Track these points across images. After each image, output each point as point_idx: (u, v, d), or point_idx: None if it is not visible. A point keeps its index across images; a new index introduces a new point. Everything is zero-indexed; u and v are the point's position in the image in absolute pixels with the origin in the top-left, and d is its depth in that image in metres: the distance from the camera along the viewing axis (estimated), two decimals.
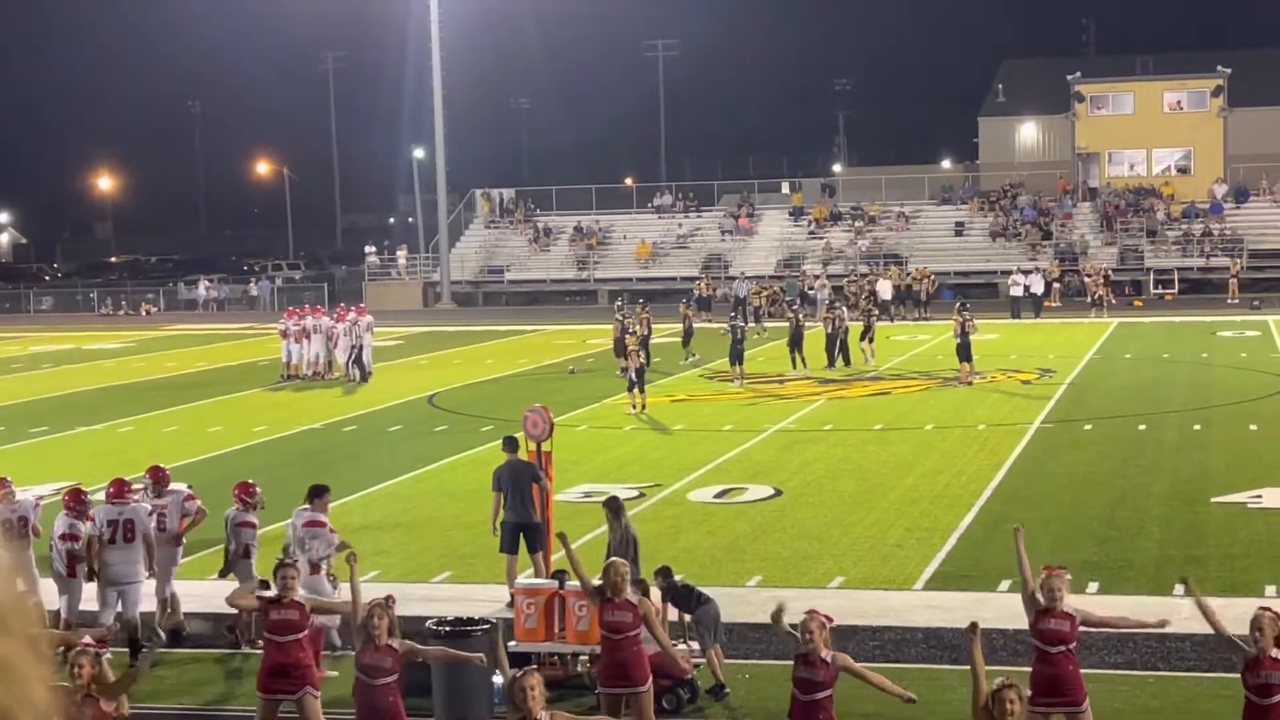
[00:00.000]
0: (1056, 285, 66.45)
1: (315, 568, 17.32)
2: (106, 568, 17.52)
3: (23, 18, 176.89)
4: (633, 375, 35.60)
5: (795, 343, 43.55)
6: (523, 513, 18.86)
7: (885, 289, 62.39)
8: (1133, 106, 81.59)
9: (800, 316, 44.64)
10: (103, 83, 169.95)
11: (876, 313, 48.98)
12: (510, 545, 18.79)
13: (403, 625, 13.43)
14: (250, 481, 19.01)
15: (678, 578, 16.58)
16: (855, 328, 45.41)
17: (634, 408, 35.34)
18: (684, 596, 16.09)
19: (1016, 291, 61.82)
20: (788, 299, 60.90)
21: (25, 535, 17.83)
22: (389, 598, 13.48)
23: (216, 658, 17.66)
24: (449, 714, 14.67)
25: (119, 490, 17.96)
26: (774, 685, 15.58)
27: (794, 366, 43.24)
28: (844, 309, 46.64)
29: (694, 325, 47.84)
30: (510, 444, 19.55)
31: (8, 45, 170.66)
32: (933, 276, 65.17)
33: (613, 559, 14.52)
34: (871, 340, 45.08)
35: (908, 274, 65.00)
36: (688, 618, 16.14)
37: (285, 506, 24.97)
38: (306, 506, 17.82)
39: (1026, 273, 64.09)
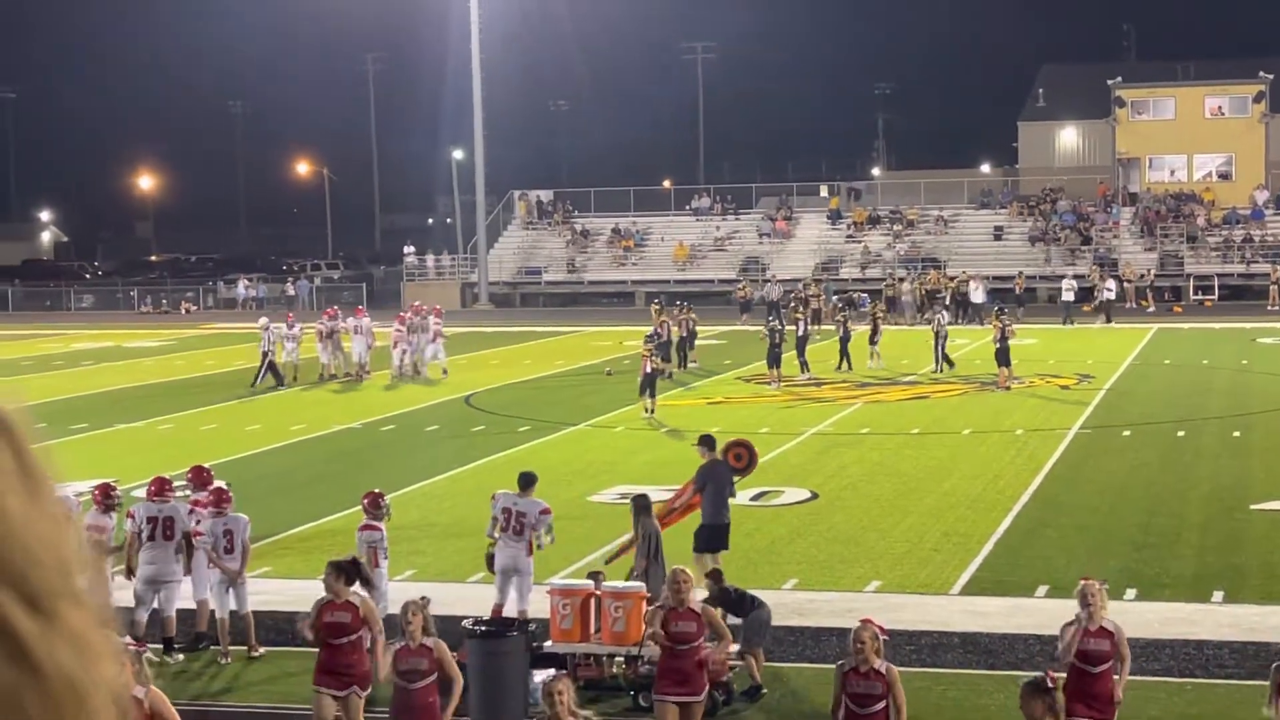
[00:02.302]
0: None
1: (530, 549, 17.74)
2: (144, 565, 17.57)
3: (65, 19, 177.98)
4: (641, 378, 35.43)
5: (843, 344, 44.41)
6: (721, 514, 18.86)
7: (978, 293, 61.94)
8: (1174, 112, 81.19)
9: (849, 320, 45.39)
10: (144, 83, 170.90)
11: (883, 316, 48.81)
12: (707, 545, 18.77)
13: (438, 625, 13.47)
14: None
15: (729, 584, 16.55)
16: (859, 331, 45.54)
17: (646, 411, 35.11)
18: (736, 602, 16.10)
19: (1069, 296, 61.19)
20: (836, 303, 60.94)
21: None
22: (423, 598, 13.54)
23: (234, 657, 17.69)
24: (485, 714, 14.69)
25: (159, 488, 18.00)
26: (810, 688, 15.58)
27: (841, 367, 43.95)
28: (944, 313, 46.49)
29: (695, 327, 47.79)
30: (708, 442, 19.48)
31: (49, 47, 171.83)
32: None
33: (676, 567, 14.46)
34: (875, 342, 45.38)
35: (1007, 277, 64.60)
36: (734, 621, 16.15)
37: (324, 504, 25.11)
38: (518, 494, 17.97)
39: (1081, 278, 63.78)
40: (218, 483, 19.17)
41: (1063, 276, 64.91)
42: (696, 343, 46.81)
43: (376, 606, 16.80)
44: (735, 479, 19.60)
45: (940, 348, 43.57)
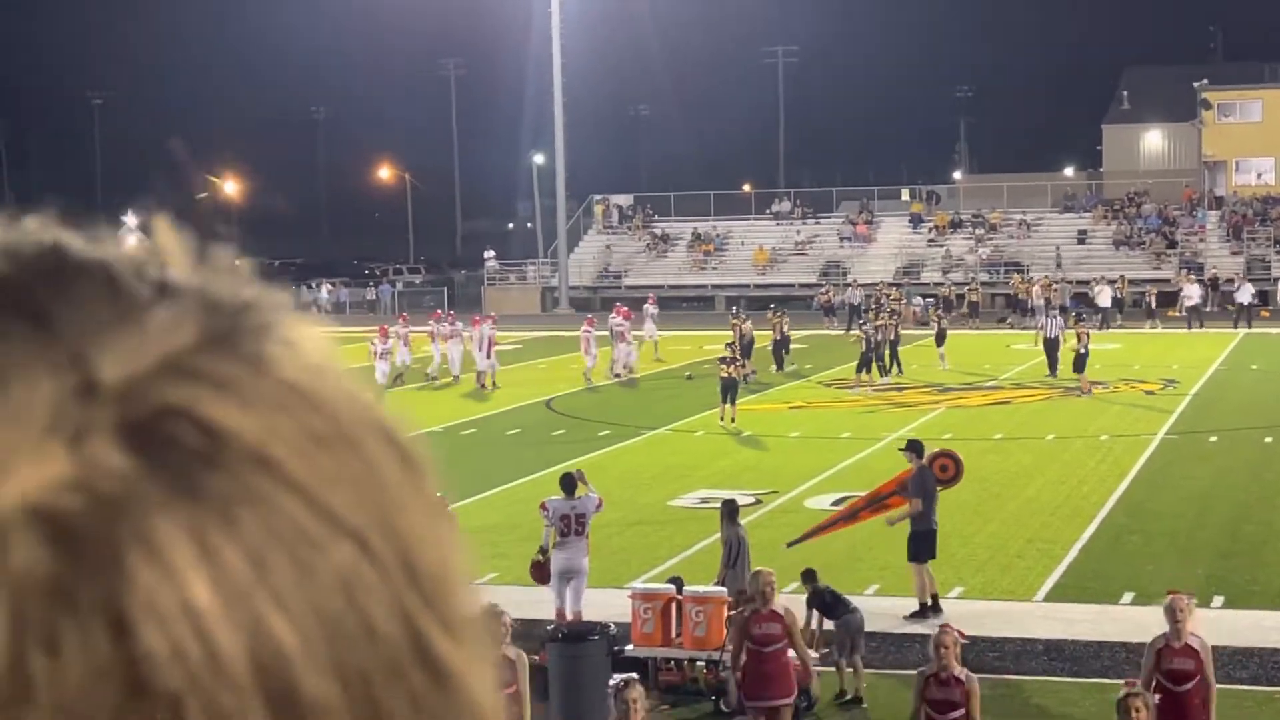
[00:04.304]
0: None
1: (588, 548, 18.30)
2: None
3: (151, 26, 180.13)
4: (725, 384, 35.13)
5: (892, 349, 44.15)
6: (930, 520, 18.83)
7: (1105, 296, 61.17)
8: (1261, 114, 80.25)
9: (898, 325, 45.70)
10: (228, 89, 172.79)
11: (946, 320, 48.61)
12: (927, 552, 18.74)
13: (519, 627, 13.51)
14: None
15: (824, 585, 16.51)
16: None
17: (723, 419, 34.77)
18: (831, 604, 16.06)
19: (1192, 302, 60.36)
20: (913, 306, 60.63)
21: None
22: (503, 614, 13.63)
23: None
24: (565, 718, 14.71)
25: None
26: (893, 695, 15.48)
27: (892, 372, 43.71)
28: (1060, 317, 46.20)
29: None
30: (916, 448, 19.45)
31: (136, 54, 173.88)
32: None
33: (759, 569, 14.43)
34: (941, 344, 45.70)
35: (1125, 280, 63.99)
36: (828, 625, 16.09)
37: None
38: (569, 498, 18.10)
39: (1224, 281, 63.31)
40: None
41: (1178, 281, 64.24)
42: (790, 346, 46.80)
43: None
44: (939, 489, 19.44)
45: (1055, 351, 43.17)
